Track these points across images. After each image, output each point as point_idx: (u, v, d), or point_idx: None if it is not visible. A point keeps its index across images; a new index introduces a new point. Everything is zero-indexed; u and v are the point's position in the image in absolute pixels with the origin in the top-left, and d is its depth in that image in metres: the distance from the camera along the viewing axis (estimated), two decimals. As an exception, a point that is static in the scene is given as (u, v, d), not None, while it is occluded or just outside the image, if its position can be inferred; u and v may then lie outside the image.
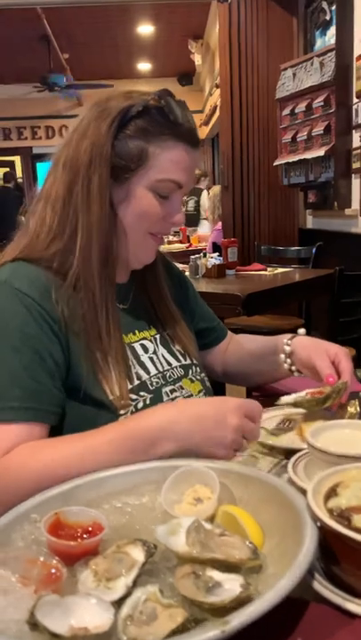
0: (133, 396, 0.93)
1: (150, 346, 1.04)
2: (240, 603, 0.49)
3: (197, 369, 1.10)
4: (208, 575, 0.54)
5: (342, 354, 1.03)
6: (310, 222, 4.34)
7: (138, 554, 0.58)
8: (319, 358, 1.03)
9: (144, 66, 8.46)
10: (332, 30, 3.65)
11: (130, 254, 1.00)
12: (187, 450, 0.76)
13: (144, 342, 1.03)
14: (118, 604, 0.52)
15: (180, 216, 1.00)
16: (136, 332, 1.04)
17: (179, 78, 8.54)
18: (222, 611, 0.49)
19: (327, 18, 3.82)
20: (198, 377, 1.09)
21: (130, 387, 0.94)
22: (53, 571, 0.56)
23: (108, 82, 7.79)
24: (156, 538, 0.59)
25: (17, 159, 10.02)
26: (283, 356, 1.11)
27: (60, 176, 0.95)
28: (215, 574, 0.54)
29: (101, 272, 0.93)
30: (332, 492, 0.58)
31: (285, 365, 1.11)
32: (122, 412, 0.91)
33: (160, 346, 1.06)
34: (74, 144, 0.94)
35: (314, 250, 3.52)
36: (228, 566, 0.55)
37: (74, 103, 8.60)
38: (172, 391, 1.02)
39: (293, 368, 1.11)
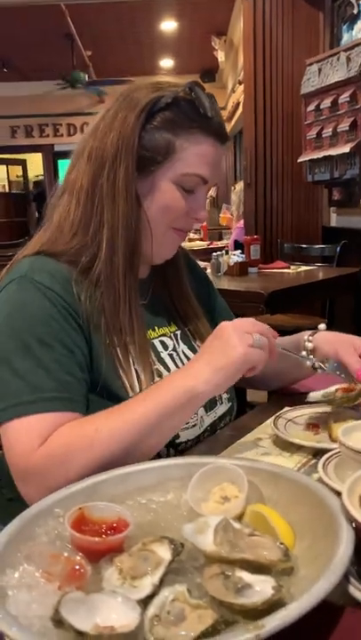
0: None
1: (170, 342, 1.02)
2: (272, 605, 0.47)
3: None
4: (238, 576, 0.52)
5: None
6: (334, 220, 4.28)
7: (164, 552, 0.56)
8: (347, 353, 0.99)
9: (166, 62, 8.45)
10: (359, 24, 3.59)
11: (153, 249, 0.98)
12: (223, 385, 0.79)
13: (163, 339, 1.02)
14: (144, 603, 0.50)
15: (204, 213, 0.98)
16: (156, 328, 1.02)
17: (201, 75, 8.50)
18: (254, 613, 0.47)
19: (355, 12, 3.75)
20: None
21: (150, 384, 0.92)
22: (77, 567, 0.55)
23: (131, 79, 7.79)
24: (183, 536, 0.57)
25: (29, 157, 10.07)
26: (305, 353, 1.07)
27: (84, 167, 0.93)
28: (245, 575, 0.52)
29: (126, 267, 0.91)
30: (367, 493, 0.56)
31: (308, 363, 1.07)
32: None
33: (181, 342, 1.04)
34: (100, 135, 0.92)
35: (338, 248, 3.47)
36: (258, 567, 0.53)
37: (96, 100, 8.61)
38: None
39: (317, 365, 1.07)
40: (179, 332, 1.05)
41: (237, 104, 6.69)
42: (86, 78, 7.49)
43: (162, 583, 0.52)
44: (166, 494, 0.69)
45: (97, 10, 5.73)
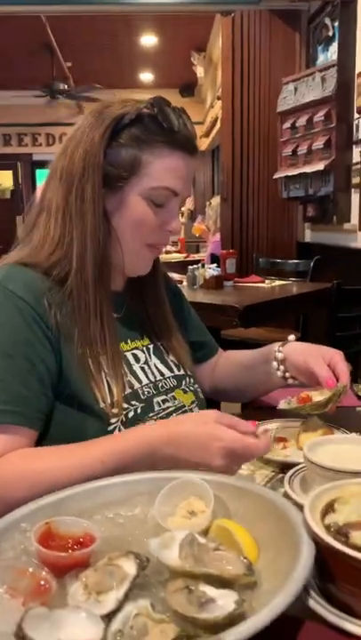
0: (125, 405, 0.92)
1: (142, 356, 1.03)
2: (234, 620, 0.48)
3: (191, 380, 1.09)
4: (201, 590, 0.53)
5: (338, 356, 1.02)
6: (308, 236, 4.35)
7: (130, 567, 0.56)
8: (316, 362, 1.01)
9: (146, 76, 8.50)
10: (334, 46, 3.68)
11: (125, 264, 1.00)
12: (180, 465, 0.75)
13: (136, 352, 1.02)
14: (108, 618, 0.50)
15: (177, 223, 0.99)
16: (129, 341, 1.03)
17: (180, 89, 8.58)
18: (215, 627, 0.48)
19: (330, 34, 3.86)
20: (192, 388, 1.08)
21: (122, 395, 0.93)
22: (42, 582, 0.55)
23: (110, 91, 7.83)
24: (149, 551, 0.58)
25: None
26: (275, 363, 1.09)
27: (57, 186, 0.95)
28: (208, 590, 0.53)
29: (95, 281, 0.92)
30: (329, 508, 0.57)
31: (279, 373, 1.09)
32: (113, 420, 0.89)
33: (153, 356, 1.05)
34: (69, 152, 0.94)
35: (312, 263, 3.53)
36: (221, 582, 0.54)
37: (75, 111, 8.62)
38: (164, 401, 1.01)
39: (287, 375, 1.08)
40: (151, 346, 1.06)
41: (216, 119, 6.76)
42: (69, 88, 7.52)
43: (126, 598, 0.53)
44: (134, 508, 0.70)
45: (77, 22, 5.75)
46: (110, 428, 0.89)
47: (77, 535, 0.61)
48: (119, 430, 0.89)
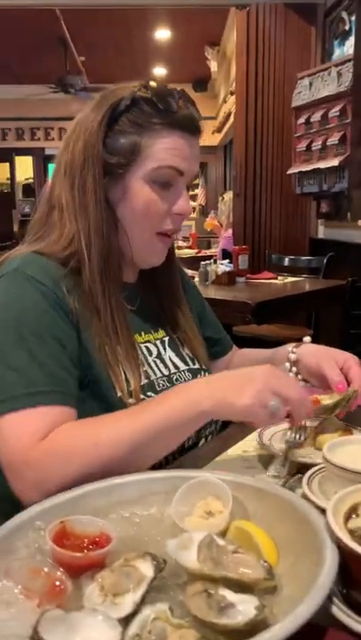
0: (141, 396, 0.91)
1: (154, 349, 1.02)
2: (255, 626, 0.47)
3: (206, 374, 1.08)
4: (221, 594, 0.51)
5: (353, 361, 1.00)
6: (322, 232, 4.31)
7: (147, 568, 0.55)
8: (328, 366, 0.99)
9: (159, 70, 8.47)
10: (350, 40, 3.63)
11: (135, 255, 0.98)
12: (222, 414, 0.76)
13: (148, 345, 1.01)
14: (125, 621, 0.49)
15: (185, 202, 0.95)
16: (142, 333, 1.01)
17: (193, 84, 8.54)
18: (236, 634, 0.46)
19: (346, 28, 3.81)
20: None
21: (139, 385, 0.92)
22: (58, 583, 0.54)
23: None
24: (167, 552, 0.57)
25: (19, 159, 10.01)
26: (288, 364, 1.07)
27: (62, 181, 0.94)
28: (228, 594, 0.52)
29: (102, 272, 0.91)
30: (352, 512, 0.56)
31: (290, 374, 1.07)
32: None
33: (168, 348, 1.04)
34: (70, 146, 0.94)
35: (325, 260, 3.50)
36: (241, 586, 0.53)
37: (88, 105, 8.65)
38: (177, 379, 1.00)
39: (300, 377, 1.07)
40: (167, 339, 1.05)
41: (229, 114, 6.73)
42: (82, 83, 7.50)
43: (143, 601, 0.52)
44: (150, 508, 0.69)
45: (91, 16, 5.74)
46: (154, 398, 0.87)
47: (93, 535, 0.59)
48: None
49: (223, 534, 0.63)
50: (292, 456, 0.86)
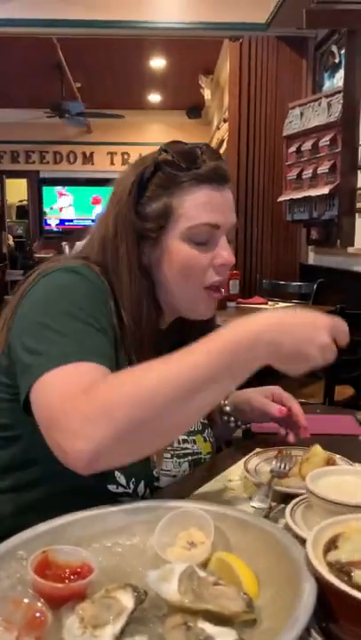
0: None
1: None
2: (233, 660, 0.47)
3: (212, 432, 1.09)
4: (200, 627, 0.51)
5: (278, 389, 1.08)
6: (312, 258, 4.36)
7: (127, 600, 0.55)
8: (260, 402, 1.07)
9: (154, 97, 8.60)
10: (340, 73, 3.73)
11: (184, 310, 0.98)
12: (280, 356, 0.74)
13: None
14: (104, 654, 0.49)
15: (227, 252, 0.93)
16: None
17: (187, 111, 8.67)
18: (214, 668, 0.47)
19: (336, 61, 3.91)
20: (211, 439, 1.07)
21: None
22: (38, 615, 0.54)
23: (119, 112, 7.92)
24: (147, 583, 0.57)
25: (12, 182, 10.07)
26: (225, 417, 1.14)
27: (95, 258, 0.94)
28: (207, 626, 0.52)
29: (132, 337, 0.91)
30: (331, 544, 0.56)
31: (231, 425, 1.14)
32: None
33: None
34: (103, 223, 0.96)
35: (315, 286, 3.53)
36: (220, 618, 0.53)
37: (82, 130, 8.72)
38: (184, 441, 1.00)
39: (239, 423, 1.14)
40: None
41: (222, 141, 6.82)
42: (77, 108, 7.60)
43: (123, 633, 0.52)
44: (132, 537, 0.69)
45: (88, 44, 5.83)
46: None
47: (75, 565, 0.60)
48: None
49: (205, 565, 0.63)
50: (276, 486, 0.86)
